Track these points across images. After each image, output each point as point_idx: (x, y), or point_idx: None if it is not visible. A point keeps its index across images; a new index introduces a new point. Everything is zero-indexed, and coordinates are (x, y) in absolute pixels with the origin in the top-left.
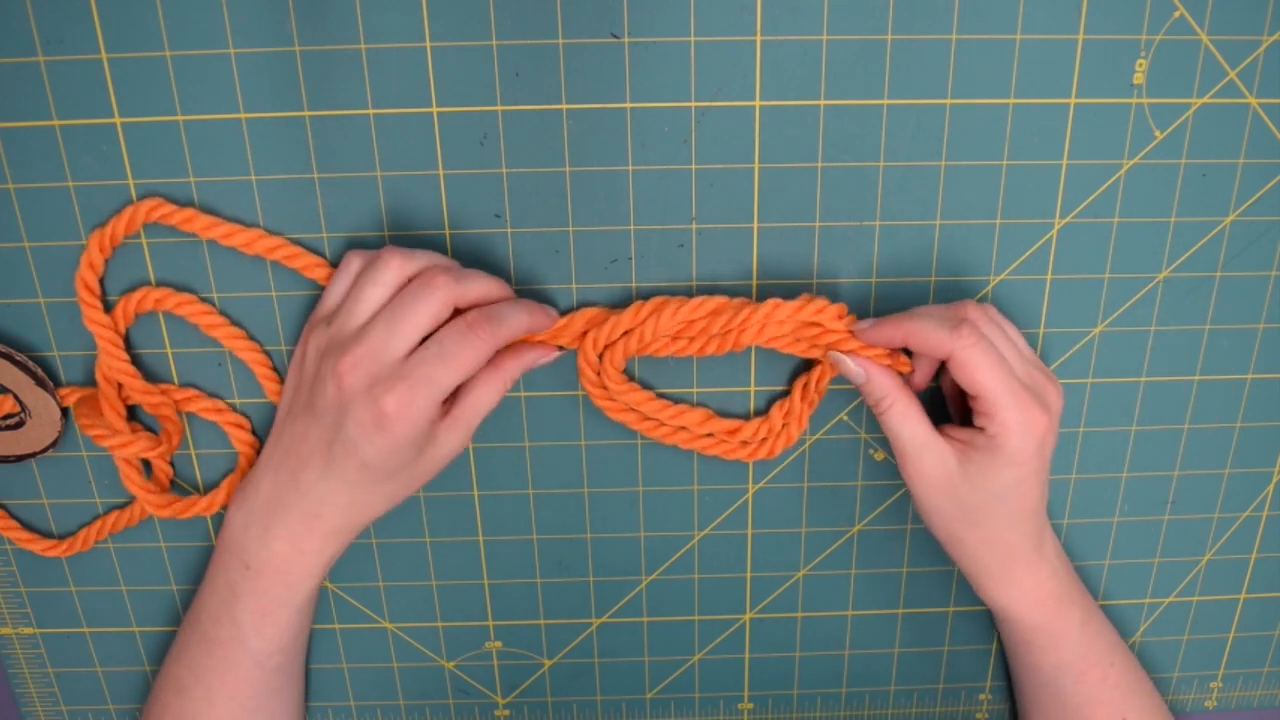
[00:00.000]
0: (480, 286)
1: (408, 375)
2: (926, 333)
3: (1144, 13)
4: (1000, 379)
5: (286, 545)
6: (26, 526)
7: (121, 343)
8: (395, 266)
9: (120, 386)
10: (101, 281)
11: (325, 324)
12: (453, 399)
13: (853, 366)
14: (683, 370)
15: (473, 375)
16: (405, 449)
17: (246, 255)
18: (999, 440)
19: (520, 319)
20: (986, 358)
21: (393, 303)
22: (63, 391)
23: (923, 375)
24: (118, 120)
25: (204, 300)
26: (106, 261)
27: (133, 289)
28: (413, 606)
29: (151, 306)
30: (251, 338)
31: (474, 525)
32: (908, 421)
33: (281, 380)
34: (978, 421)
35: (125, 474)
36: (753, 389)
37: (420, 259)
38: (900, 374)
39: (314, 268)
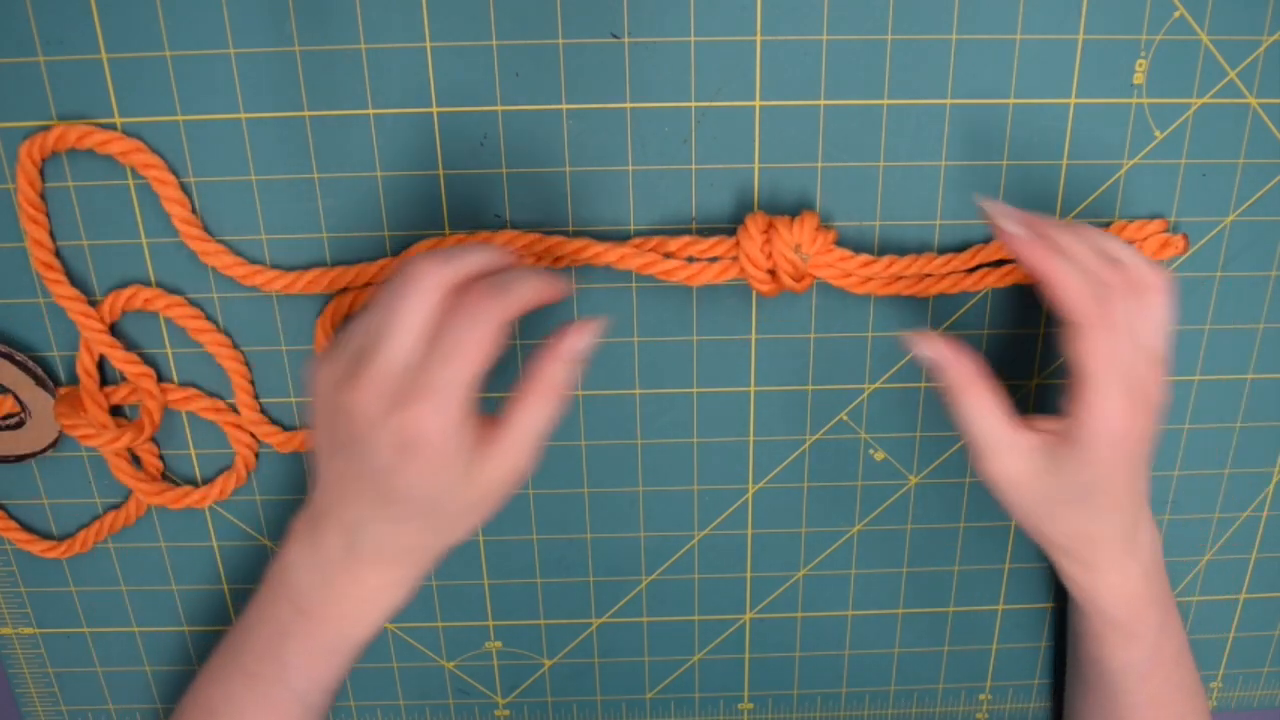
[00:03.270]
0: (473, 260)
1: (420, 386)
2: (1068, 287)
3: (1144, 13)
4: (1118, 377)
5: (343, 593)
6: (26, 527)
7: (99, 321)
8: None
9: (102, 385)
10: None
11: (330, 357)
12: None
13: (932, 352)
14: (683, 369)
15: (522, 390)
16: (443, 472)
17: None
18: (1091, 436)
19: (527, 284)
20: (1112, 349)
21: (378, 309)
22: (62, 391)
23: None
24: (118, 120)
25: (195, 304)
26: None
27: (126, 286)
28: (413, 606)
29: (140, 306)
30: (236, 346)
31: None
32: (985, 417)
33: (257, 396)
34: (1073, 406)
35: (115, 465)
36: (753, 389)
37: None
38: (979, 358)
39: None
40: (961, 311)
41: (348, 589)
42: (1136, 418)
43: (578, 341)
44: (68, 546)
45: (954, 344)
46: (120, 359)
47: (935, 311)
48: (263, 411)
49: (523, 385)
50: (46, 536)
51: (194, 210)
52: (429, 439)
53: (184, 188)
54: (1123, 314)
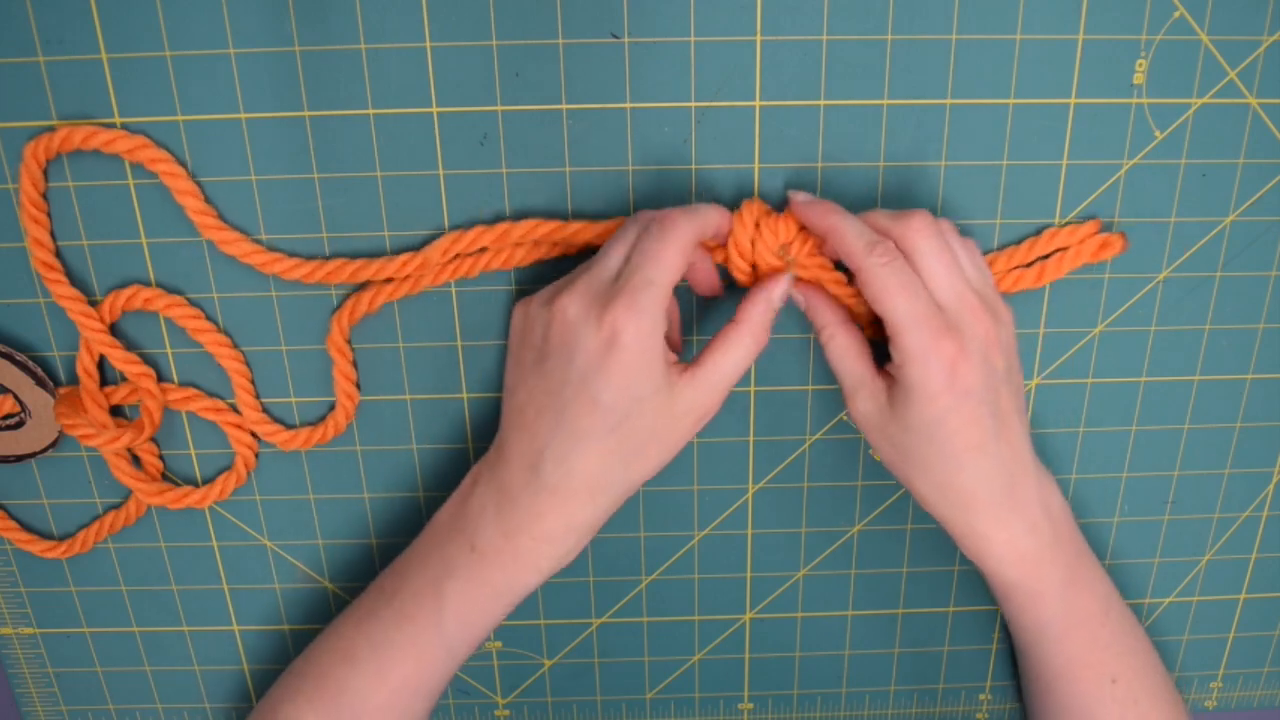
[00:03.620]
0: (692, 213)
1: (622, 286)
2: (844, 236)
3: (1144, 13)
4: (905, 302)
5: (520, 528)
6: (26, 527)
7: (99, 320)
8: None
9: (102, 385)
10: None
11: (540, 292)
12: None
13: (795, 294)
14: None
15: (724, 330)
16: (640, 379)
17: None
18: (904, 370)
19: (710, 212)
20: (896, 279)
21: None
22: (62, 391)
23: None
24: (117, 120)
25: (194, 304)
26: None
27: (126, 286)
28: None
29: (140, 306)
30: (236, 345)
31: None
32: (846, 357)
33: (257, 395)
34: (891, 351)
35: (115, 465)
36: (753, 389)
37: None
38: (846, 307)
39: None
40: None
41: (528, 525)
42: (957, 354)
43: (779, 286)
44: (68, 546)
45: (820, 290)
46: (120, 359)
47: None
48: (264, 411)
49: (725, 327)
50: (47, 536)
51: (207, 200)
52: (632, 335)
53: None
54: (897, 254)
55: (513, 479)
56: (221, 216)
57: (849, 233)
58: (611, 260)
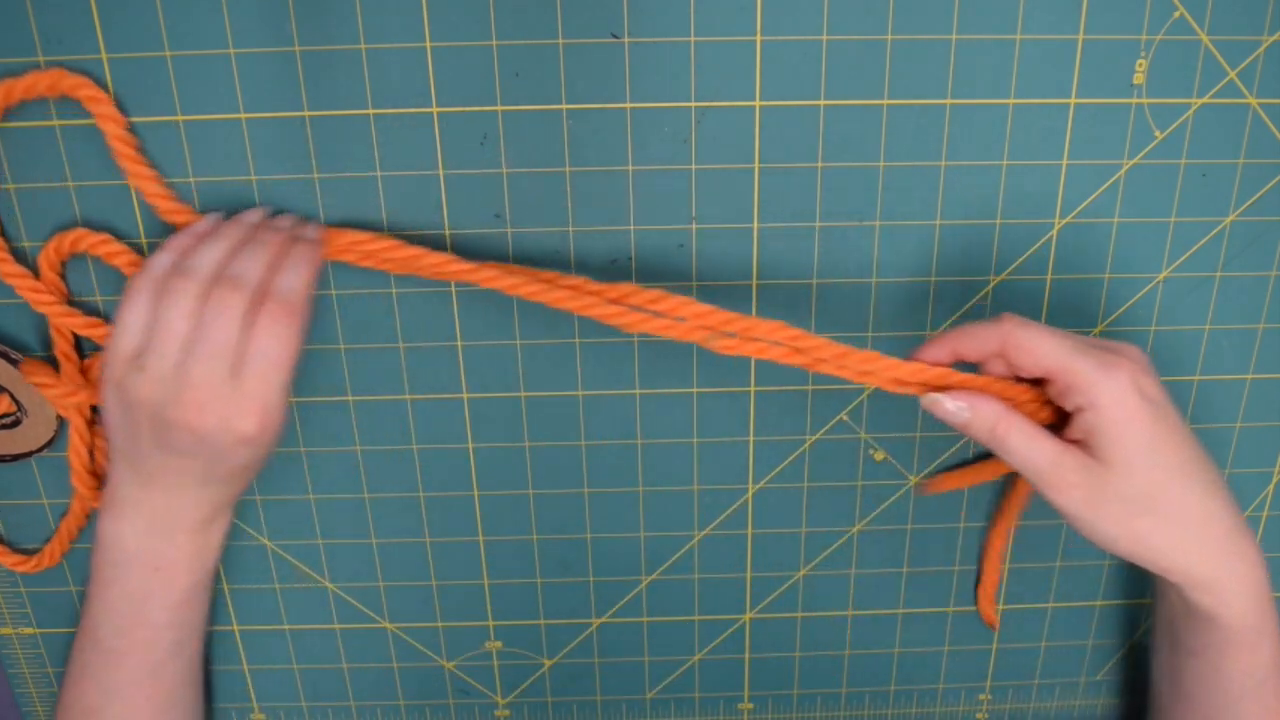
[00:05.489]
0: (256, 252)
1: (247, 394)
2: (969, 332)
3: (1144, 13)
4: (1058, 340)
5: (190, 536)
6: (3, 539)
7: (40, 283)
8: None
9: (81, 360)
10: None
11: (136, 368)
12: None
13: (951, 406)
14: (683, 370)
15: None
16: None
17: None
18: (1094, 402)
19: (302, 273)
20: (1039, 330)
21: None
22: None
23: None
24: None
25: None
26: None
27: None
28: (413, 606)
29: (69, 249)
30: None
31: (474, 525)
32: (1033, 441)
33: None
34: (1066, 405)
35: (74, 463)
36: (753, 389)
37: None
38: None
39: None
40: (963, 311)
41: (193, 532)
42: (1131, 367)
43: (310, 252)
44: (36, 561)
45: (969, 390)
46: (79, 325)
47: (934, 311)
48: None
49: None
50: (46, 537)
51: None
52: (270, 426)
53: (184, 186)
54: (1016, 316)
55: (167, 510)
56: (154, 163)
57: (969, 328)
58: (208, 353)
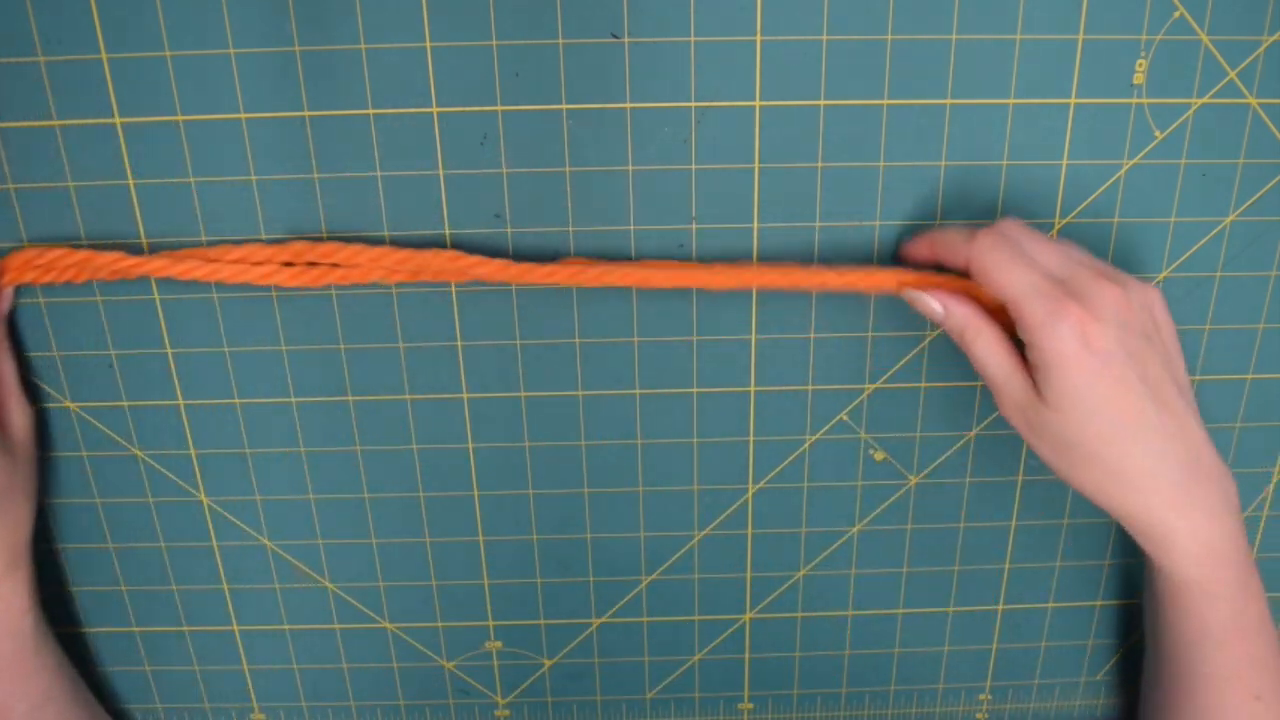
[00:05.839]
0: None
1: None
2: (946, 239)
3: (1144, 13)
4: (1020, 274)
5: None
6: None
7: None
8: None
9: None
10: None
11: None
12: None
13: (932, 303)
14: (683, 369)
15: None
16: None
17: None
18: (1036, 345)
19: None
20: (1003, 255)
21: None
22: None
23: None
24: (118, 120)
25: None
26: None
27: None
28: (413, 606)
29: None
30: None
31: (474, 525)
32: (992, 351)
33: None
34: (1021, 335)
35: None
36: (753, 389)
37: None
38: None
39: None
40: None
41: None
42: (1084, 316)
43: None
44: None
45: (952, 292)
46: None
47: None
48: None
49: None
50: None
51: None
52: None
53: (184, 186)
54: (1001, 236)
55: None
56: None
57: (948, 235)
58: None
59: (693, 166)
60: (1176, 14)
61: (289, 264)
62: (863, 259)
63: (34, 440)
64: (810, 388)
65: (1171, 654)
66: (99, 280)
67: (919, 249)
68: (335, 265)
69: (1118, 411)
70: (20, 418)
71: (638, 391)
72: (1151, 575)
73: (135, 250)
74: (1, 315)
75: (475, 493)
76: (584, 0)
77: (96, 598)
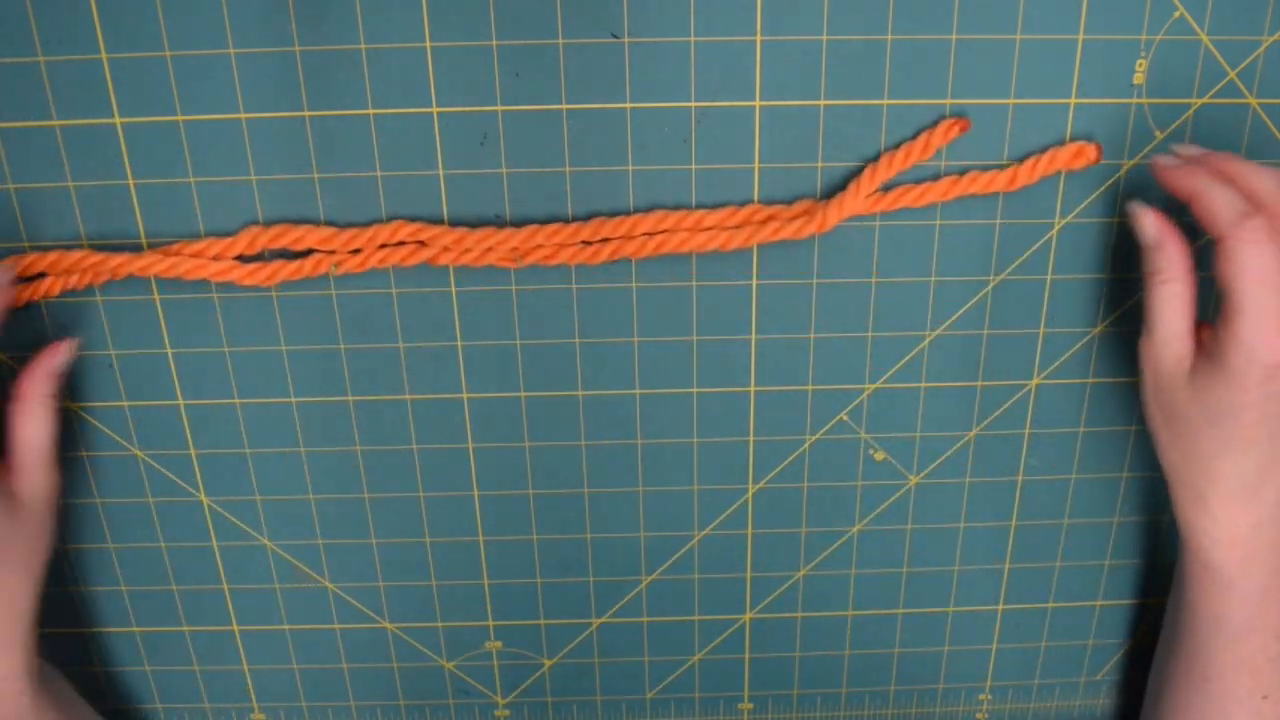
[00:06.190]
0: None
1: None
2: (1213, 202)
3: (1144, 13)
4: (1260, 292)
5: None
6: None
7: None
8: None
9: None
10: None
11: None
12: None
13: (1150, 228)
14: (683, 369)
15: (11, 412)
16: None
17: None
18: (1226, 352)
19: None
20: (1258, 264)
21: None
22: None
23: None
24: (118, 120)
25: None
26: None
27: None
28: (413, 606)
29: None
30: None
31: (474, 525)
32: (1172, 305)
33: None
34: (1219, 322)
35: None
36: (753, 389)
37: None
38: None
39: None
40: (962, 311)
41: None
42: (1276, 340)
43: (56, 358)
44: None
45: (1176, 236)
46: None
47: (934, 311)
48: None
49: (9, 407)
50: None
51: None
52: None
53: (184, 186)
54: (1268, 234)
55: None
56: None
57: (1218, 199)
58: None
59: (693, 166)
60: (1176, 14)
61: (246, 257)
62: (863, 258)
63: (53, 511)
64: (810, 388)
65: (1186, 643)
66: (87, 285)
67: (1180, 179)
68: (315, 250)
69: (1242, 434)
70: (41, 488)
71: (638, 391)
72: (1181, 559)
73: (135, 250)
74: (54, 370)
75: (475, 493)
76: (584, 0)
77: (96, 598)
